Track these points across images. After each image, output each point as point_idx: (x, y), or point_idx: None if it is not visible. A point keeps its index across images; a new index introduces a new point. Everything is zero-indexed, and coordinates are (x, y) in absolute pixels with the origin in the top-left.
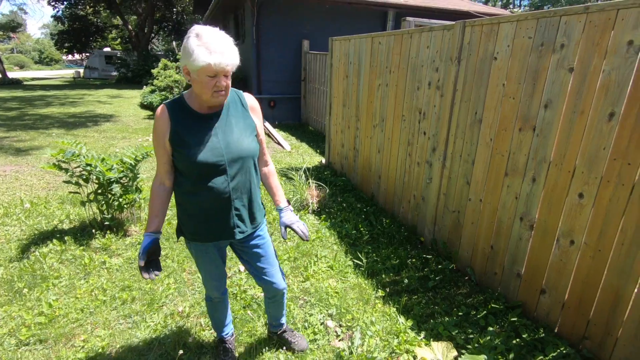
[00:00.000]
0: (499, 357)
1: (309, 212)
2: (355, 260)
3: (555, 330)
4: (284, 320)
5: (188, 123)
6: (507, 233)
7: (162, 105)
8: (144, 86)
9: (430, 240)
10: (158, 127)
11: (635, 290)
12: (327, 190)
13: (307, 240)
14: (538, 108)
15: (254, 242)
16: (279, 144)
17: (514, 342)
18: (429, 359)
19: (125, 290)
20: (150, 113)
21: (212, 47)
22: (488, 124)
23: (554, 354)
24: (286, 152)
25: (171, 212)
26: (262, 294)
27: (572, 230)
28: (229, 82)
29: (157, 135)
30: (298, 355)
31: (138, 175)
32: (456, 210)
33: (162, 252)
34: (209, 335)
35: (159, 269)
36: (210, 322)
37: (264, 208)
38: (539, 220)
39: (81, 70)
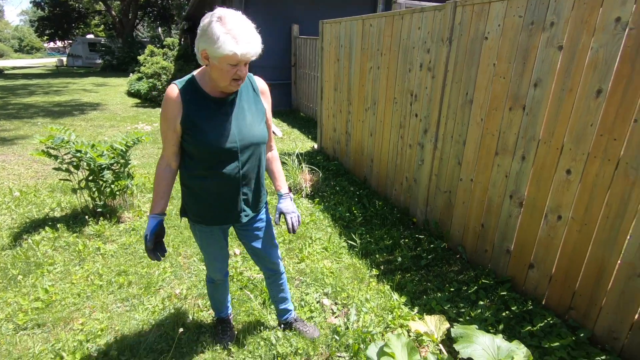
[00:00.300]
0: (490, 328)
1: (302, 196)
2: (349, 242)
3: (543, 303)
4: (290, 306)
5: (201, 107)
6: (497, 211)
7: (172, 85)
8: (131, 74)
9: (423, 221)
10: (169, 109)
11: (619, 261)
12: (320, 174)
13: (293, 234)
14: (528, 87)
15: (256, 224)
16: None
17: (504, 314)
18: (422, 331)
19: (122, 274)
20: (138, 101)
21: (239, 36)
22: (479, 104)
23: (541, 325)
24: (278, 138)
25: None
26: (259, 275)
27: (560, 205)
28: (247, 70)
29: (167, 117)
30: (295, 333)
31: (129, 162)
32: (448, 190)
33: None
34: (207, 315)
35: (164, 250)
36: (209, 303)
37: (266, 191)
38: (528, 198)
39: (64, 59)
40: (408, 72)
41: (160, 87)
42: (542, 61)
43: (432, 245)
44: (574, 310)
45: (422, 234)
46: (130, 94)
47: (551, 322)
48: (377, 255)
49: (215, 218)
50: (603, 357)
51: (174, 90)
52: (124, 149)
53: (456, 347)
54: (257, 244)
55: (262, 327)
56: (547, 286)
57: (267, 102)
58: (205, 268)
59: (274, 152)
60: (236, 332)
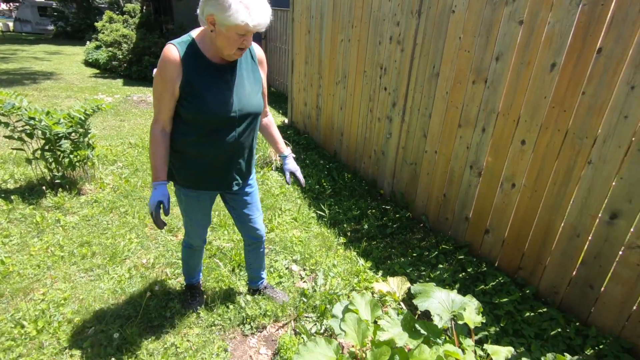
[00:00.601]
0: (447, 287)
1: (272, 169)
2: (319, 212)
3: (496, 264)
4: (264, 274)
5: (201, 73)
6: (459, 181)
7: (171, 45)
8: (88, 42)
9: (389, 192)
10: (167, 71)
11: (562, 224)
12: (291, 147)
13: (304, 187)
14: (490, 60)
15: (245, 189)
16: None
17: (460, 275)
18: (385, 291)
19: (84, 245)
20: (97, 71)
21: (252, 6)
22: (445, 77)
23: (493, 284)
24: None
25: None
26: (228, 245)
27: (514, 174)
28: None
29: (165, 79)
30: (265, 297)
31: (89, 131)
32: (413, 162)
33: (122, 210)
34: (175, 283)
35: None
36: (177, 272)
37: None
38: (486, 168)
39: (10, 23)
40: (378, 44)
41: (121, 56)
42: (504, 35)
43: (397, 215)
44: (522, 270)
45: (388, 204)
46: (88, 63)
47: (502, 281)
48: (345, 225)
49: (207, 185)
50: (544, 309)
51: (173, 51)
52: (83, 117)
53: (415, 302)
54: (246, 210)
55: (231, 293)
56: (500, 249)
57: (263, 70)
58: (184, 232)
59: (270, 117)
60: (205, 298)
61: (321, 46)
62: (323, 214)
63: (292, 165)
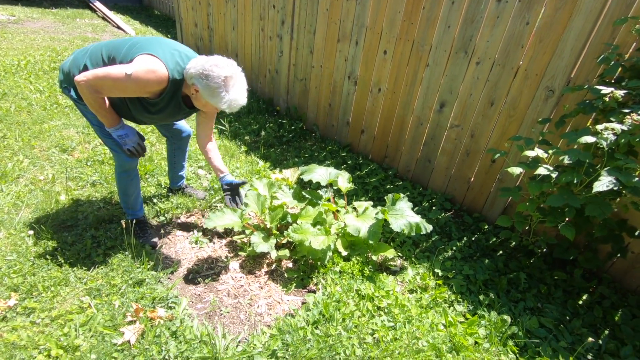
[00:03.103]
0: None
1: None
2: (219, 127)
3: (369, 157)
4: (185, 173)
5: (169, 104)
6: (340, 91)
7: (167, 76)
8: None
9: (285, 108)
10: (149, 86)
11: (411, 117)
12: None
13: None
14: None
15: None
16: (120, 28)
17: (342, 167)
18: (280, 177)
19: None
20: None
21: (234, 102)
22: None
23: (366, 170)
24: (131, 36)
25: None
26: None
27: (380, 80)
28: None
29: (142, 88)
30: (186, 194)
31: None
32: (304, 78)
33: (0, 134)
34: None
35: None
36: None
37: None
38: (360, 77)
39: None
40: None
41: None
42: None
43: (292, 127)
44: (387, 158)
45: (284, 119)
46: None
47: (373, 168)
48: (246, 137)
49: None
50: (400, 182)
51: (164, 78)
52: None
53: (302, 176)
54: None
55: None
56: (372, 144)
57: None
58: (114, 160)
59: (213, 143)
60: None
61: None
62: (224, 128)
63: (231, 179)
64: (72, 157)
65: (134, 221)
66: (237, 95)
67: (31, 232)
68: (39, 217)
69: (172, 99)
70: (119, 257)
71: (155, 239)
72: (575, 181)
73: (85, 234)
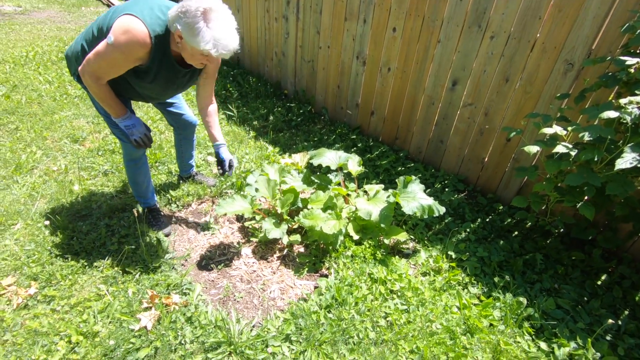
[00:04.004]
0: None
1: None
2: (228, 112)
3: (380, 139)
4: (194, 161)
5: (163, 67)
6: (348, 72)
7: (147, 33)
8: None
9: (293, 92)
10: (134, 52)
11: (423, 96)
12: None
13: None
14: None
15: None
16: None
17: (352, 149)
18: (290, 162)
19: None
20: None
21: (220, 37)
22: None
23: (377, 152)
24: None
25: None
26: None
27: (389, 59)
28: None
29: (127, 57)
30: (196, 182)
31: None
32: (311, 60)
33: (11, 126)
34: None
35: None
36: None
37: None
38: (369, 56)
39: None
40: None
41: None
42: None
43: (301, 111)
44: (398, 140)
45: (292, 102)
46: None
47: (383, 150)
48: (255, 122)
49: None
50: (412, 164)
51: (145, 37)
52: None
53: (311, 161)
54: (176, 104)
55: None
56: (383, 126)
57: (215, 63)
58: (122, 149)
59: (214, 106)
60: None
61: None
62: (232, 114)
63: (225, 154)
64: (83, 147)
65: (146, 209)
66: (221, 32)
67: (47, 222)
68: (54, 207)
69: (163, 61)
70: (133, 245)
71: (169, 227)
72: (595, 159)
73: (100, 223)
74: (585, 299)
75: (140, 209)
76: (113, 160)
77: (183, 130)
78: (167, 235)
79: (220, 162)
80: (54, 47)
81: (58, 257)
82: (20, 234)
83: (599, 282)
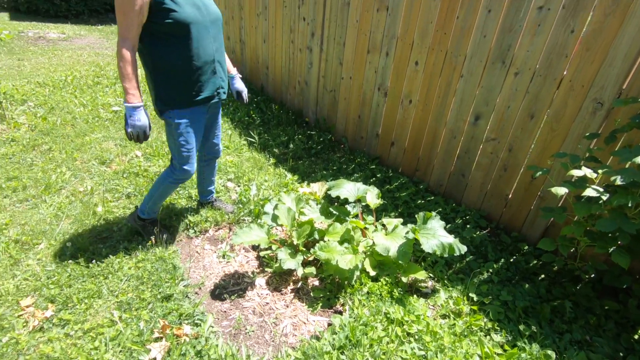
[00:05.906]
0: None
1: None
2: (249, 139)
3: (400, 170)
4: (214, 188)
5: None
6: (369, 102)
7: None
8: None
9: (314, 120)
10: None
11: (444, 130)
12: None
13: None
14: None
15: (218, 107)
16: None
17: (371, 180)
18: (308, 192)
19: (13, 180)
20: None
21: None
22: (355, 6)
23: (396, 184)
24: None
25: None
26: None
27: (411, 92)
28: None
29: None
30: (215, 208)
31: None
32: (333, 89)
33: (45, 147)
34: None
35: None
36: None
37: None
38: (390, 88)
39: None
40: None
41: None
42: None
43: (321, 139)
44: (419, 171)
45: (313, 130)
46: None
47: (403, 181)
48: (275, 149)
49: (200, 95)
50: (432, 197)
51: None
52: None
53: (329, 192)
54: (213, 127)
55: (173, 208)
56: (402, 157)
57: None
58: (174, 167)
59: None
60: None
61: None
62: (253, 140)
63: (239, 85)
64: (109, 169)
65: (149, 220)
66: None
67: (69, 243)
68: (77, 228)
69: None
70: (149, 269)
71: (170, 239)
72: (629, 204)
73: (119, 246)
74: (621, 354)
75: (135, 223)
76: (137, 183)
77: (212, 158)
78: (169, 243)
79: (237, 93)
80: (90, 71)
81: (76, 280)
82: (43, 253)
83: (636, 336)
